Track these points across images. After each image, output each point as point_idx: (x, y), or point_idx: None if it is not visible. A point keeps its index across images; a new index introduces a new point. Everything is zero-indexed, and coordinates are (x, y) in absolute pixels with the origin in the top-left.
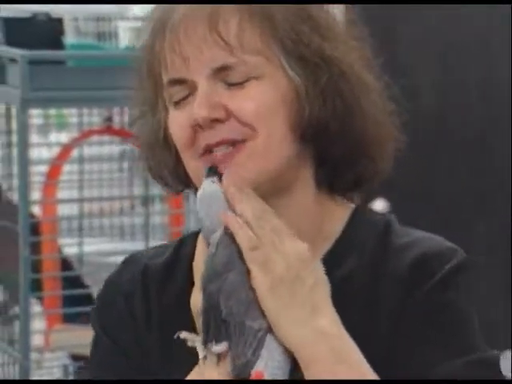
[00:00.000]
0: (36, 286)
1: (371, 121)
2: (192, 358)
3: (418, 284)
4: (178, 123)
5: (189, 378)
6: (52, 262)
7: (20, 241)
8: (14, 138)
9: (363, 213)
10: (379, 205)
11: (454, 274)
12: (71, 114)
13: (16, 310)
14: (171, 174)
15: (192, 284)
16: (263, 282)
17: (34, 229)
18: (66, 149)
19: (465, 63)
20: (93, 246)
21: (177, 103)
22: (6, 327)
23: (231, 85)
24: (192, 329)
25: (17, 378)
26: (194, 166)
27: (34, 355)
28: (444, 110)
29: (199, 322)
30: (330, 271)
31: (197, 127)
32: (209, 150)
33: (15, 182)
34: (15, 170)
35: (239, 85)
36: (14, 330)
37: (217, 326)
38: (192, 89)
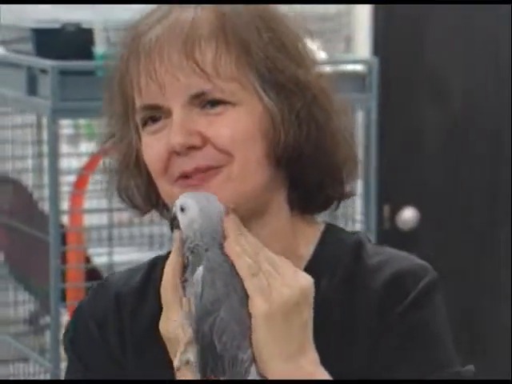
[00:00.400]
0: (66, 296)
1: (341, 144)
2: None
3: (392, 304)
4: (152, 150)
5: None
6: (78, 272)
7: (51, 251)
8: (45, 148)
9: (334, 232)
10: (408, 214)
11: (427, 292)
12: (101, 124)
13: (47, 319)
14: (141, 196)
15: None
16: (262, 308)
17: (63, 239)
18: (94, 158)
19: (491, 63)
20: (122, 255)
21: (150, 129)
22: (36, 337)
23: (207, 111)
24: (166, 353)
25: None
26: (168, 190)
27: (64, 365)
28: (474, 116)
29: (171, 348)
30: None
31: (173, 154)
32: (184, 175)
33: (46, 191)
34: (46, 179)
35: (215, 111)
36: (44, 339)
37: (214, 361)
38: (167, 115)
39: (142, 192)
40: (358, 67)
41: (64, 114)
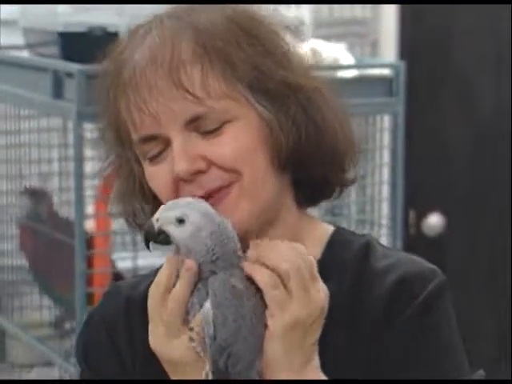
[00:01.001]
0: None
1: (340, 136)
2: None
3: (400, 307)
4: (158, 180)
5: None
6: (104, 277)
7: (76, 255)
8: (70, 152)
9: (343, 234)
10: (434, 219)
11: (435, 295)
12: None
13: (72, 323)
14: (147, 217)
15: None
16: (280, 321)
17: (87, 243)
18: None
19: None
20: (147, 259)
21: (152, 159)
22: (62, 341)
23: (205, 134)
24: None
25: None
26: None
27: None
28: (502, 119)
29: (171, 367)
30: None
31: (179, 180)
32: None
33: (69, 195)
34: (69, 183)
35: (213, 132)
36: (70, 343)
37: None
38: (166, 143)
39: (148, 214)
40: (385, 71)
41: (90, 118)
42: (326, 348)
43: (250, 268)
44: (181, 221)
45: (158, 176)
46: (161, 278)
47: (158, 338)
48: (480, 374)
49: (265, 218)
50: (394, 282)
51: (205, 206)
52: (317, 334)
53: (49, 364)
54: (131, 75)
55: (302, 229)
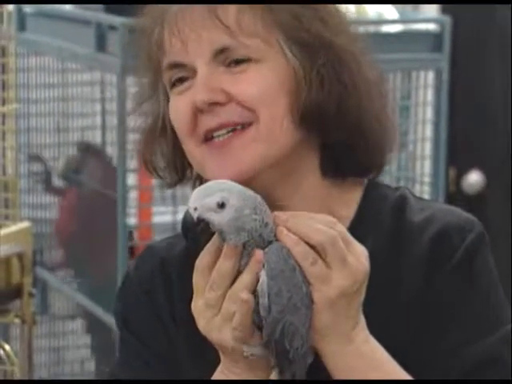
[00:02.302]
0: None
1: (369, 108)
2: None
3: (441, 260)
4: (178, 110)
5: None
6: (146, 231)
7: (118, 208)
8: (109, 106)
9: (377, 189)
10: (474, 177)
11: (476, 245)
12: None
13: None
14: (168, 165)
15: None
16: (324, 294)
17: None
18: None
19: None
20: None
21: (177, 90)
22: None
23: (231, 68)
24: None
25: None
26: (196, 153)
27: None
28: None
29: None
30: None
31: (197, 111)
32: (210, 136)
33: (109, 149)
34: (109, 137)
35: (239, 68)
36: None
37: (289, 365)
38: (192, 73)
39: (168, 161)
40: (430, 26)
41: (133, 72)
42: (367, 307)
43: (288, 242)
44: (222, 205)
45: (178, 106)
46: (205, 254)
47: (197, 310)
48: None
49: (277, 171)
50: (433, 236)
51: (237, 185)
52: (361, 297)
53: (90, 315)
54: (171, 6)
55: (329, 191)
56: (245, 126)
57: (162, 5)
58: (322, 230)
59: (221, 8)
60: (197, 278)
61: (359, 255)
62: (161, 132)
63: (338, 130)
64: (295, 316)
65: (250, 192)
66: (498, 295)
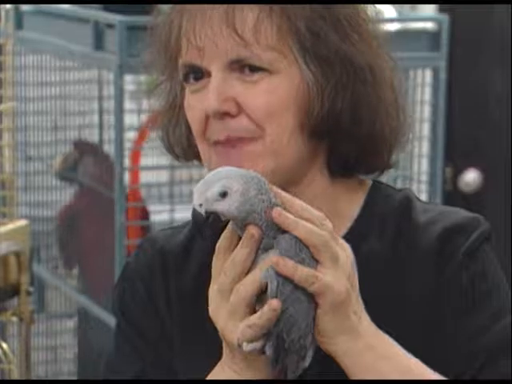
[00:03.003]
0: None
1: (382, 114)
2: (212, 341)
3: (446, 259)
4: (193, 111)
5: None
6: (136, 228)
7: (116, 207)
8: (106, 104)
9: (381, 189)
10: (471, 176)
11: (481, 242)
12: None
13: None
14: (183, 143)
15: (211, 265)
16: (327, 303)
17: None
18: (154, 115)
19: None
20: (183, 212)
21: (192, 87)
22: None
23: (245, 76)
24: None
25: None
26: (206, 154)
27: None
28: None
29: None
30: (352, 250)
31: (209, 117)
32: (218, 143)
33: (106, 147)
34: (106, 135)
35: (253, 77)
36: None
37: (284, 356)
38: (207, 75)
39: (184, 140)
40: (428, 25)
41: (131, 70)
42: (372, 304)
43: (286, 268)
44: (224, 194)
45: (193, 107)
46: (222, 240)
47: (211, 293)
48: None
49: (285, 179)
50: (439, 233)
51: (235, 169)
52: (356, 289)
53: (87, 314)
54: (193, 5)
55: (334, 190)
56: (251, 139)
57: (181, 4)
58: (315, 232)
59: (239, 19)
60: (214, 261)
61: (345, 248)
62: (177, 115)
63: (350, 142)
64: (296, 308)
65: (251, 173)
66: (504, 287)
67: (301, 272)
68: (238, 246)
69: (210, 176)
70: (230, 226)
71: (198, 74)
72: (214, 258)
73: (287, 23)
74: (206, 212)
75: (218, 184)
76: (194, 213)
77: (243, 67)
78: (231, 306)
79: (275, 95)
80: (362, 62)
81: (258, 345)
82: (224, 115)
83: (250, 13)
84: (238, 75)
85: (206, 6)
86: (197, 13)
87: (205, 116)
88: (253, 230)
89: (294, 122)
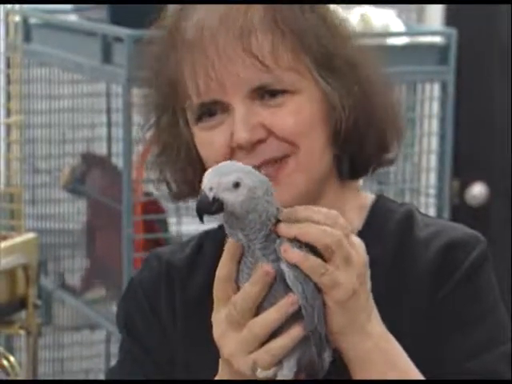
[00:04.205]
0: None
1: (389, 115)
2: (217, 353)
3: (445, 276)
4: (212, 146)
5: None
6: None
7: (123, 220)
8: (114, 117)
9: (384, 202)
10: (477, 189)
11: (480, 261)
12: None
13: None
14: (187, 184)
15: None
16: (333, 298)
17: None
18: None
19: None
20: (191, 225)
21: (206, 125)
22: (108, 304)
23: (267, 103)
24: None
25: None
26: None
27: None
28: None
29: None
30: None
31: (236, 149)
32: None
33: (115, 160)
34: (114, 148)
35: (276, 101)
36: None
37: (321, 347)
38: (224, 109)
39: (188, 181)
40: (436, 39)
41: (139, 83)
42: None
43: (296, 259)
44: (237, 185)
45: (212, 142)
46: (221, 268)
47: (216, 319)
48: None
49: (316, 191)
50: (438, 250)
51: (248, 166)
52: (367, 288)
53: (95, 327)
54: (199, 35)
55: (343, 199)
56: (286, 157)
57: (179, 23)
58: (327, 232)
59: (255, 42)
60: (216, 288)
61: (358, 247)
62: (185, 156)
63: (365, 145)
64: (317, 302)
65: (261, 175)
66: (500, 313)
67: (311, 261)
68: (251, 281)
69: (223, 165)
70: (227, 249)
71: (213, 110)
72: (216, 283)
73: (299, 42)
74: (214, 198)
75: (235, 174)
76: (200, 193)
77: (263, 94)
78: (243, 339)
79: (302, 114)
80: (367, 68)
81: (270, 373)
82: (255, 144)
83: (264, 38)
84: (259, 102)
85: (216, 33)
86: (210, 45)
87: (229, 149)
88: (267, 267)
89: (323, 137)
